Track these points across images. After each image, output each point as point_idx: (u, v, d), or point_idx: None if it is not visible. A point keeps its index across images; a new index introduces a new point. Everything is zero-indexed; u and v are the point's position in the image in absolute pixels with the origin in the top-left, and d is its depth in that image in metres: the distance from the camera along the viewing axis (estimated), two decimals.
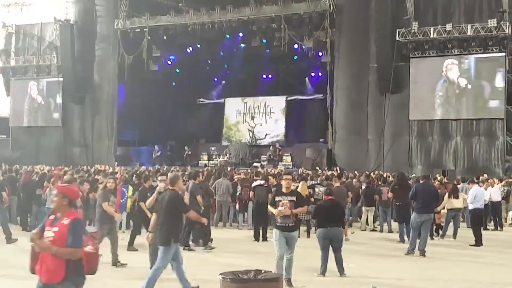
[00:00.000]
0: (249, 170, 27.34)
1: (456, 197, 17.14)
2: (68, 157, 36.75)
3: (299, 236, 16.19)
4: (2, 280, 10.64)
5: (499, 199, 19.66)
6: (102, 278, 8.59)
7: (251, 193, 17.01)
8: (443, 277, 11.38)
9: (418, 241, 13.79)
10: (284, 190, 10.26)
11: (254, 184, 17.28)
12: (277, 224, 10.08)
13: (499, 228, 19.55)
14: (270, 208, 10.29)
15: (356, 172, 24.53)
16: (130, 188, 16.78)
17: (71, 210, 6.09)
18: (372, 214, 19.32)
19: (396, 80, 29.53)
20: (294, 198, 10.02)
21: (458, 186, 18.88)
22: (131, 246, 13.65)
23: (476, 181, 19.05)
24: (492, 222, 20.02)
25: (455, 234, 16.96)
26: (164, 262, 8.97)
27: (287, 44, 32.65)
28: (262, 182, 16.80)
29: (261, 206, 15.53)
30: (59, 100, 38.45)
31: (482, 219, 18.11)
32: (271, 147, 36.51)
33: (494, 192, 19.37)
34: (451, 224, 17.21)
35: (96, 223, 12.16)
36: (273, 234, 10.27)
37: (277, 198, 10.15)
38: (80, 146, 37.69)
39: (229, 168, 27.91)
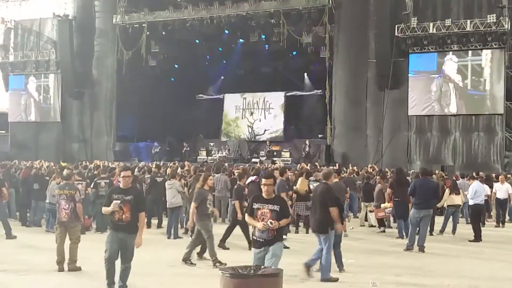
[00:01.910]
0: (247, 166, 27.33)
1: (457, 194, 17.14)
2: (67, 152, 36.72)
3: (297, 232, 16.30)
4: (2, 275, 10.64)
5: (506, 196, 19.57)
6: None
7: (246, 190, 16.97)
8: (442, 272, 11.40)
9: (417, 236, 13.81)
10: (264, 195, 8.07)
11: (248, 180, 17.26)
12: (254, 237, 8.18)
13: (501, 224, 19.50)
14: (248, 218, 8.27)
15: (355, 168, 24.53)
16: None
17: None
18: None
19: (395, 75, 29.52)
20: (277, 208, 7.95)
21: (457, 182, 18.88)
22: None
23: (476, 176, 19.04)
24: (493, 218, 20.05)
25: (454, 230, 16.98)
26: (329, 247, 10.20)
27: (286, 39, 32.62)
28: (254, 178, 16.76)
29: None
30: (57, 95, 38.40)
31: (481, 215, 18.14)
32: (267, 142, 36.62)
33: (501, 189, 19.35)
34: (450, 219, 17.22)
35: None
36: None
37: (255, 205, 8.06)
38: (79, 141, 37.69)
39: (226, 164, 27.89)
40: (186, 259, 11.72)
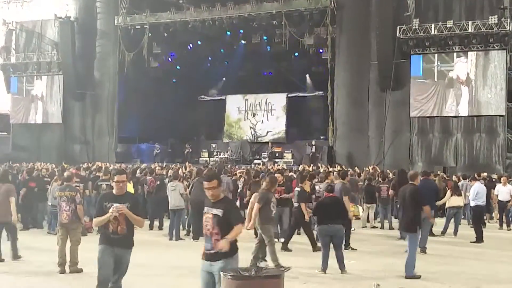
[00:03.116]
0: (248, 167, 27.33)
1: (459, 195, 17.11)
2: (69, 154, 36.73)
3: (299, 233, 16.27)
4: (3, 277, 10.65)
5: (508, 198, 19.48)
6: None
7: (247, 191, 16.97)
8: (444, 274, 11.39)
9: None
10: (210, 198, 6.85)
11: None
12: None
13: (506, 227, 19.32)
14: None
15: (356, 168, 24.51)
16: (129, 185, 16.83)
17: None
18: (373, 211, 19.34)
19: (396, 77, 29.52)
20: (219, 212, 6.67)
21: (459, 184, 18.85)
22: None
23: (477, 178, 19.01)
24: (495, 220, 20.00)
25: (455, 231, 16.95)
26: (415, 246, 10.80)
27: (288, 41, 32.65)
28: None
29: None
30: (59, 97, 38.42)
31: (483, 216, 18.12)
32: (269, 143, 36.66)
33: (503, 191, 19.27)
34: (452, 221, 17.19)
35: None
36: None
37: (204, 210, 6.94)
38: (81, 143, 37.71)
39: (229, 166, 27.93)
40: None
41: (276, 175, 14.65)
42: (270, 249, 11.31)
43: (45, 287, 10.17)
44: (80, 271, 10.87)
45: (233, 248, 6.65)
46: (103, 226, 7.65)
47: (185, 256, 12.51)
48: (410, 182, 11.40)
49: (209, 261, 6.63)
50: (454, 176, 22.73)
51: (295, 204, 14.25)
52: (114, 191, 7.78)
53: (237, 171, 21.74)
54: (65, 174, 12.53)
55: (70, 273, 10.80)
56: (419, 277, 10.58)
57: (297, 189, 14.36)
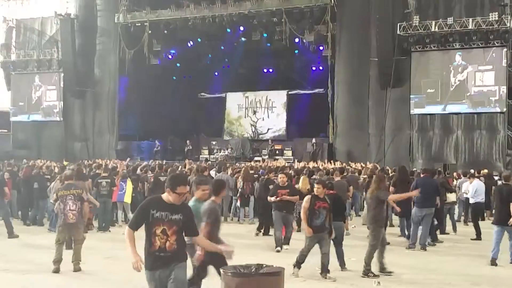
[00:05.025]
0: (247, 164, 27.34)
1: (451, 191, 17.10)
2: (69, 151, 36.77)
3: (299, 230, 16.21)
4: (3, 274, 10.65)
5: None
6: None
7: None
8: (444, 271, 11.39)
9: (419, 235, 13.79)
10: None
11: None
12: None
13: None
14: None
15: (354, 165, 24.49)
16: (129, 182, 16.88)
17: None
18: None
19: (397, 74, 29.52)
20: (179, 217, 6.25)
21: (459, 181, 18.84)
22: None
23: (477, 175, 19.00)
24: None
25: (454, 228, 16.90)
26: None
27: (288, 38, 32.63)
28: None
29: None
30: (59, 94, 38.43)
31: (483, 213, 18.12)
32: (269, 140, 36.69)
33: None
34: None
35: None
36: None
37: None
38: (81, 140, 37.73)
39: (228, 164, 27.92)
40: (383, 270, 10.86)
41: (280, 175, 14.37)
42: (369, 251, 10.80)
43: (45, 284, 10.15)
44: (79, 269, 10.82)
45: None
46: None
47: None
48: (504, 182, 12.47)
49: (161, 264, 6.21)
50: (455, 173, 22.74)
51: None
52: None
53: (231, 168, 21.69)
54: (66, 172, 12.48)
55: (74, 272, 10.73)
56: None
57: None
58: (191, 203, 7.95)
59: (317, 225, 10.19)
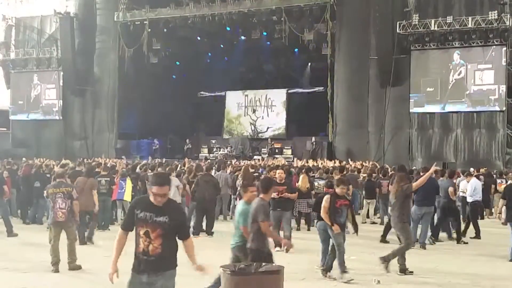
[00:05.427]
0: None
1: None
2: (68, 150, 36.74)
3: (298, 229, 16.20)
4: (3, 273, 10.64)
5: None
6: None
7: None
8: (444, 269, 11.40)
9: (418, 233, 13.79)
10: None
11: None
12: None
13: None
14: None
15: (353, 164, 24.49)
16: (129, 181, 16.86)
17: None
18: (373, 207, 19.35)
19: (396, 72, 29.52)
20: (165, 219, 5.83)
21: (458, 179, 18.83)
22: None
23: (477, 173, 18.99)
24: (494, 215, 19.97)
25: (452, 227, 16.89)
26: None
27: (288, 36, 32.61)
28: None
29: None
30: (59, 93, 38.41)
31: (482, 211, 18.11)
32: (269, 139, 36.70)
33: None
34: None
35: None
36: None
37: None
38: (80, 139, 37.71)
39: (228, 162, 27.91)
40: (404, 270, 10.80)
41: (278, 171, 14.22)
42: (403, 248, 10.85)
43: (44, 283, 10.15)
44: (79, 267, 10.82)
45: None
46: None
47: (183, 253, 12.49)
48: None
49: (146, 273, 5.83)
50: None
51: None
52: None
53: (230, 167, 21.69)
54: (58, 170, 12.44)
55: (69, 270, 10.73)
56: None
57: None
58: (240, 206, 8.23)
59: (341, 223, 10.25)
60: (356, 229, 10.59)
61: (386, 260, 10.65)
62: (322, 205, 10.36)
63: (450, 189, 15.13)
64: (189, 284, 7.51)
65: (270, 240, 7.97)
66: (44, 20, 39.21)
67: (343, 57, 31.63)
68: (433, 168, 12.67)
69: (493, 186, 20.27)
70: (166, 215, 5.71)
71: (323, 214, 10.32)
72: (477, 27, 27.73)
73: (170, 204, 5.86)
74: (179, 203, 15.82)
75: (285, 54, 38.93)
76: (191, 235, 6.04)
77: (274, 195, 13.22)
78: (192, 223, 16.00)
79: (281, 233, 12.85)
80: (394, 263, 10.86)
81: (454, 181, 17.41)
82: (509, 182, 19.39)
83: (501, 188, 19.78)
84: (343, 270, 10.10)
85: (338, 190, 10.43)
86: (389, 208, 12.06)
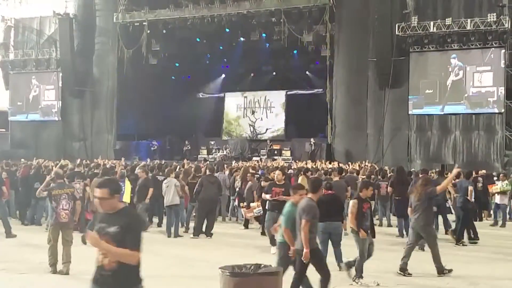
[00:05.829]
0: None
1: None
2: (67, 151, 36.70)
3: None
4: (1, 274, 10.64)
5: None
6: None
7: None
8: None
9: None
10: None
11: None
12: None
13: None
14: None
15: (352, 165, 24.49)
16: (128, 182, 16.83)
17: None
18: (371, 208, 19.32)
19: (395, 74, 29.52)
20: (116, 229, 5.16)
21: (456, 181, 18.82)
22: None
23: (475, 175, 18.99)
24: (492, 217, 19.99)
25: (449, 226, 16.87)
26: None
27: (287, 38, 32.63)
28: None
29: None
30: (58, 94, 38.40)
31: (481, 213, 18.11)
32: (268, 141, 36.73)
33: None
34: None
35: None
36: None
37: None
38: (79, 140, 37.70)
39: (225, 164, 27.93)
40: (404, 270, 10.95)
41: (277, 172, 14.18)
42: (434, 251, 11.00)
43: (43, 284, 10.14)
44: (68, 272, 10.73)
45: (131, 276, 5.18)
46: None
47: (183, 253, 12.51)
48: None
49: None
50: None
51: None
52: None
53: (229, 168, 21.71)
54: (57, 171, 12.40)
55: (65, 274, 10.67)
56: None
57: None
58: (287, 207, 8.39)
59: (367, 227, 10.23)
60: (373, 233, 10.62)
61: (439, 266, 10.81)
62: (350, 211, 10.29)
63: (470, 188, 15.20)
64: None
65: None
66: (43, 21, 39.23)
67: (342, 59, 31.65)
68: (455, 171, 12.46)
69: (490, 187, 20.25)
70: (117, 224, 4.99)
71: (351, 220, 10.22)
72: (476, 29, 27.76)
73: (123, 211, 5.15)
74: (177, 204, 15.90)
75: (284, 55, 38.95)
76: (140, 251, 5.02)
77: (268, 197, 13.29)
78: (192, 224, 16.02)
79: None
80: (393, 265, 10.86)
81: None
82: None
83: (491, 189, 19.81)
84: (360, 275, 10.13)
85: (362, 193, 10.37)
86: (409, 209, 11.96)
